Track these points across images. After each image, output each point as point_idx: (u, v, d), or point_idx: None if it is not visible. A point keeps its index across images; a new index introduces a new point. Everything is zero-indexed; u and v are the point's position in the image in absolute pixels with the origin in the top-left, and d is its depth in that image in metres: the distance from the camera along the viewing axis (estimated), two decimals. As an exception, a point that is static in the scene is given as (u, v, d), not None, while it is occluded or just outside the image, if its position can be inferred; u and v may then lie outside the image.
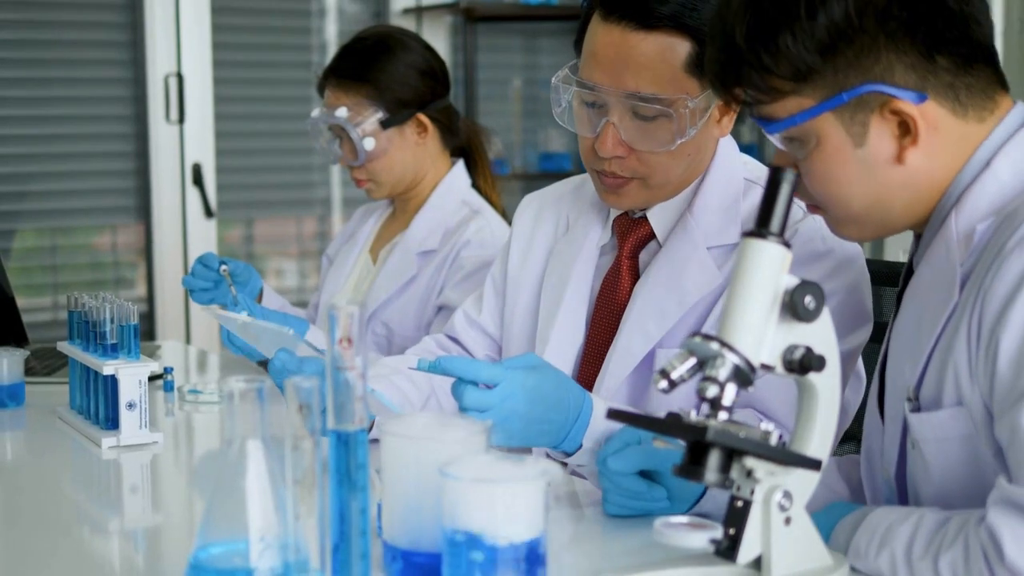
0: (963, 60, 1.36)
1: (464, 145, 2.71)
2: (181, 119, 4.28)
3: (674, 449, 1.50)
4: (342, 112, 2.55)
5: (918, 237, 1.47)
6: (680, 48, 1.75)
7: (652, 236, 1.89)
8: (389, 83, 2.57)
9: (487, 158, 2.78)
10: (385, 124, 2.57)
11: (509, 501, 1.18)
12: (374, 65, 2.57)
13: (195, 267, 2.45)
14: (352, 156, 2.59)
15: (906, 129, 1.36)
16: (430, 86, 2.61)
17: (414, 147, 2.61)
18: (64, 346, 2.15)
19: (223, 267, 2.41)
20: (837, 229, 1.47)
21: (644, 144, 1.79)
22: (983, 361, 1.29)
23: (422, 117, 2.60)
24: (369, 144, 2.56)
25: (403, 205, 2.71)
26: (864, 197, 1.40)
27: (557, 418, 1.60)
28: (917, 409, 1.37)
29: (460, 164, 2.68)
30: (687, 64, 1.76)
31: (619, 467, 1.51)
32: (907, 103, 1.34)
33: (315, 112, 2.62)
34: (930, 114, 1.36)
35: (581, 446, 1.63)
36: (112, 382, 1.99)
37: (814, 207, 1.46)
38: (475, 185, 2.69)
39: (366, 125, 2.56)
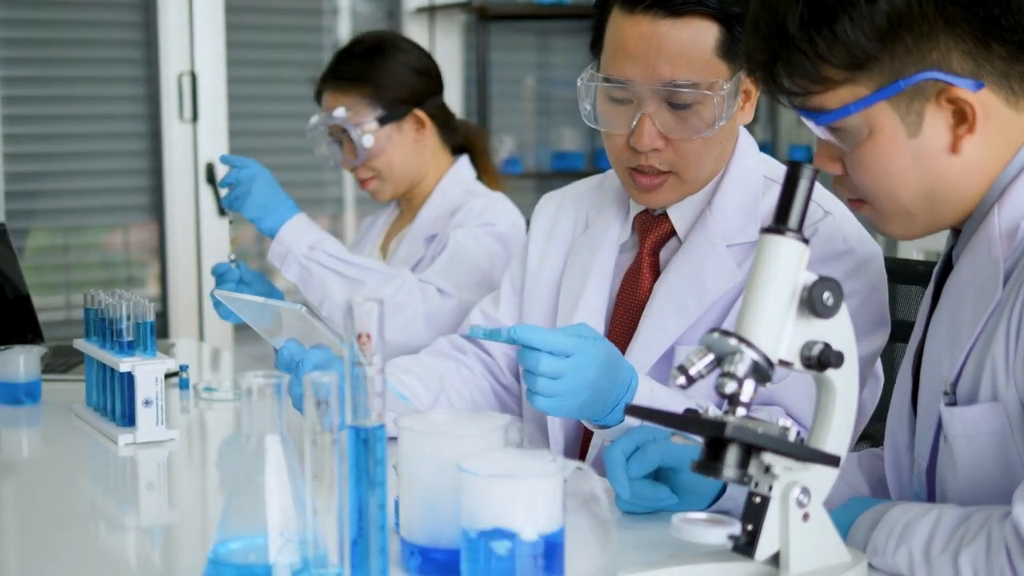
0: (1017, 48, 1.33)
1: (463, 143, 2.74)
2: (195, 118, 4.29)
3: (691, 445, 1.50)
4: (340, 112, 2.58)
5: (957, 231, 1.44)
6: (709, 32, 1.76)
7: (672, 233, 1.89)
8: (385, 81, 2.60)
9: (489, 156, 2.81)
10: (383, 120, 2.59)
11: (528, 496, 1.18)
12: (370, 65, 2.60)
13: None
14: (353, 155, 2.62)
15: (962, 118, 1.33)
16: (425, 84, 2.65)
17: (413, 143, 2.64)
18: (81, 343, 2.15)
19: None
20: (883, 225, 1.43)
21: (682, 132, 1.78)
22: (1021, 357, 1.28)
23: (419, 113, 2.63)
24: (368, 141, 2.58)
25: (408, 204, 2.73)
26: (915, 189, 1.37)
27: (615, 389, 1.59)
28: (952, 403, 1.36)
29: (464, 159, 2.71)
30: (717, 48, 1.76)
31: (633, 473, 1.51)
32: (965, 91, 1.32)
33: (314, 119, 2.64)
34: (986, 102, 1.33)
35: (623, 420, 1.61)
36: (129, 379, 1.99)
37: (858, 201, 1.43)
38: (479, 182, 2.71)
39: (365, 123, 2.58)
